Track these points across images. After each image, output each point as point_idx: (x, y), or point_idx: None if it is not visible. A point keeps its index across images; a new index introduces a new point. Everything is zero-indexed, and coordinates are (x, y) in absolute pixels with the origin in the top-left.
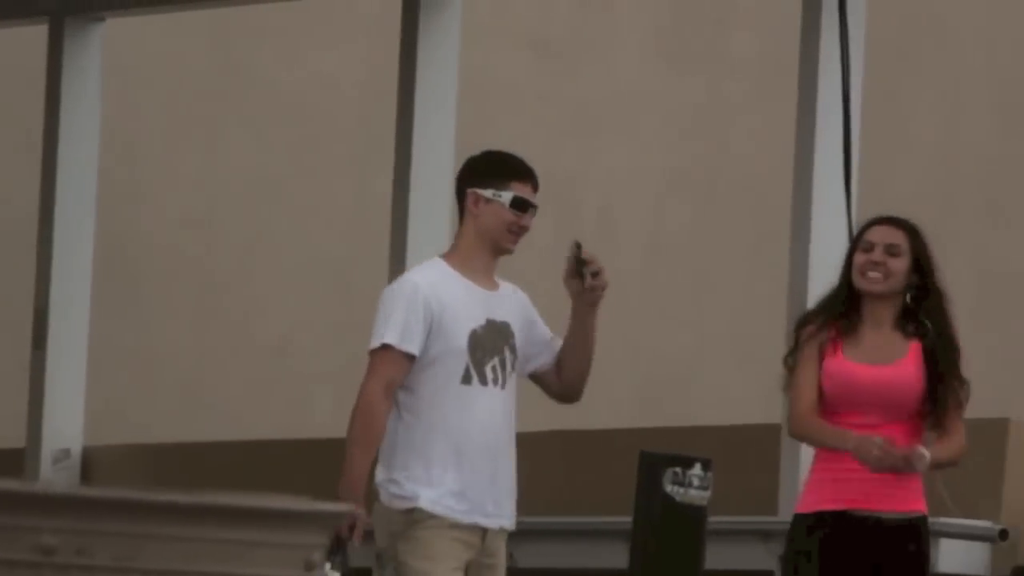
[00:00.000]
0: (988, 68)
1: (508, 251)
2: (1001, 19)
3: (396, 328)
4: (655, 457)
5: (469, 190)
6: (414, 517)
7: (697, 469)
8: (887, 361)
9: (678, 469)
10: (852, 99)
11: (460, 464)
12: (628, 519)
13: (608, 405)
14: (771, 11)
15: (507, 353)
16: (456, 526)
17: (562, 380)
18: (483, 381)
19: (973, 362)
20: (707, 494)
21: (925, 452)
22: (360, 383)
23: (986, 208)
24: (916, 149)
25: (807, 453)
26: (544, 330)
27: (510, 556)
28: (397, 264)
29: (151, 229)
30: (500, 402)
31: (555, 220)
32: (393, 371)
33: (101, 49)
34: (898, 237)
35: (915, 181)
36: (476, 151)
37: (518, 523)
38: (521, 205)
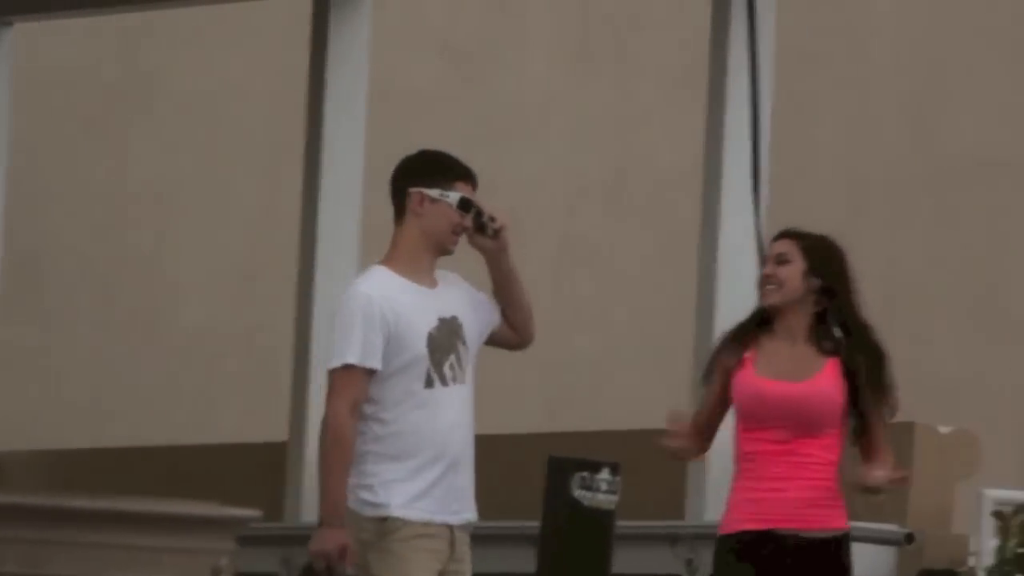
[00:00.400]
0: (896, 74)
1: (450, 251)
2: (909, 25)
3: (356, 346)
4: (563, 461)
5: (413, 190)
6: (386, 527)
7: (605, 473)
8: (799, 377)
9: (586, 473)
10: (761, 104)
11: (430, 466)
12: (536, 523)
13: (516, 409)
14: (681, 16)
15: (460, 347)
16: (427, 531)
17: (514, 327)
18: (444, 381)
19: None
20: (615, 498)
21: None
22: (326, 401)
23: (893, 213)
24: (824, 153)
25: (714, 458)
26: (484, 297)
27: None
28: (306, 269)
29: (58, 235)
30: (460, 399)
31: None
32: (357, 390)
33: (9, 54)
34: (785, 246)
35: (823, 185)
36: (386, 157)
37: None
38: (467, 206)
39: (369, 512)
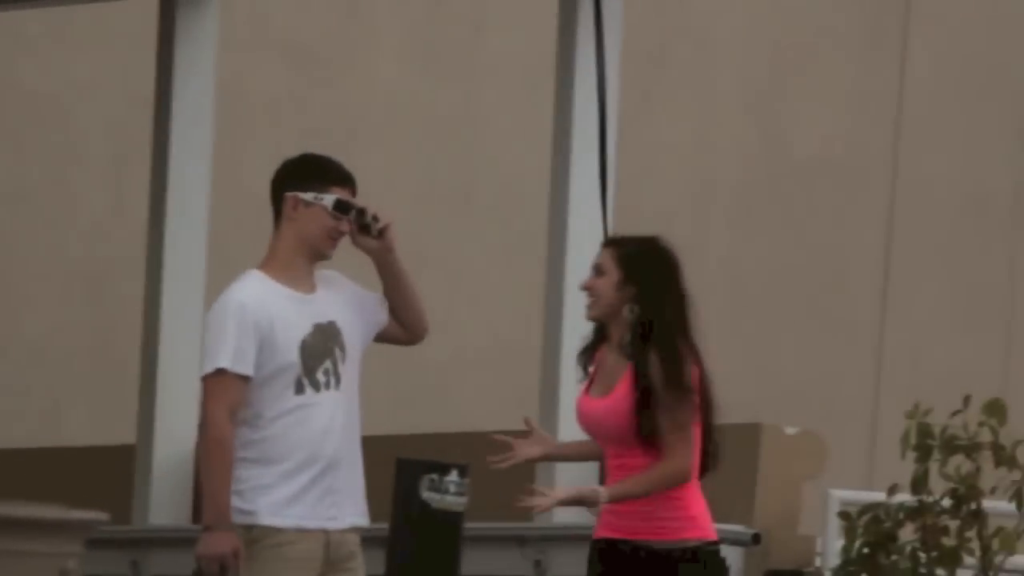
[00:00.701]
0: (742, 74)
1: (327, 256)
2: (756, 26)
3: (228, 351)
4: (412, 463)
5: (288, 194)
6: (253, 535)
7: (454, 475)
8: (607, 391)
9: (435, 475)
10: (608, 104)
11: (300, 471)
12: (385, 525)
13: (365, 412)
14: (527, 17)
15: (337, 352)
16: (298, 538)
17: (404, 325)
18: (316, 387)
19: (724, 368)
20: (464, 500)
21: (599, 490)
22: (203, 408)
23: (739, 213)
24: (671, 154)
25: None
26: (370, 296)
27: None
28: (154, 272)
29: None
30: (334, 404)
31: None
32: (232, 396)
33: None
34: (603, 256)
35: (670, 185)
36: (233, 159)
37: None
38: (344, 208)
39: (239, 519)
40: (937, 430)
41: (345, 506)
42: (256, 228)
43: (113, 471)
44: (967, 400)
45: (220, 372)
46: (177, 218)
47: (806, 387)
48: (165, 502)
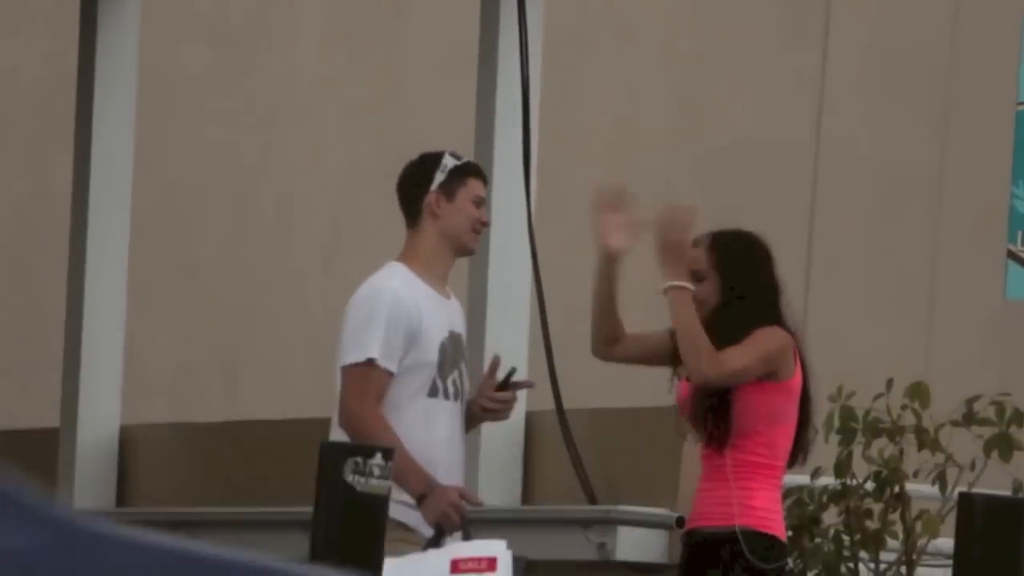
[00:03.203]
0: (665, 60)
1: (472, 251)
2: (679, 13)
3: (379, 343)
4: (336, 447)
5: (431, 191)
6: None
7: (378, 459)
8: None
9: (359, 459)
10: (531, 87)
11: None
12: (308, 509)
13: (289, 394)
14: (451, 0)
15: (462, 365)
16: (418, 540)
17: None
18: (446, 395)
19: None
20: (388, 483)
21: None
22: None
23: (661, 198)
24: (593, 139)
25: (485, 442)
26: None
27: None
28: (77, 256)
29: None
30: (457, 416)
31: (234, 212)
32: (376, 388)
33: None
34: (700, 259)
35: (592, 171)
36: (155, 142)
37: (196, 515)
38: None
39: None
40: (860, 413)
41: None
42: (177, 212)
43: (37, 455)
44: (890, 383)
45: (370, 363)
46: (100, 202)
47: None
48: (89, 486)
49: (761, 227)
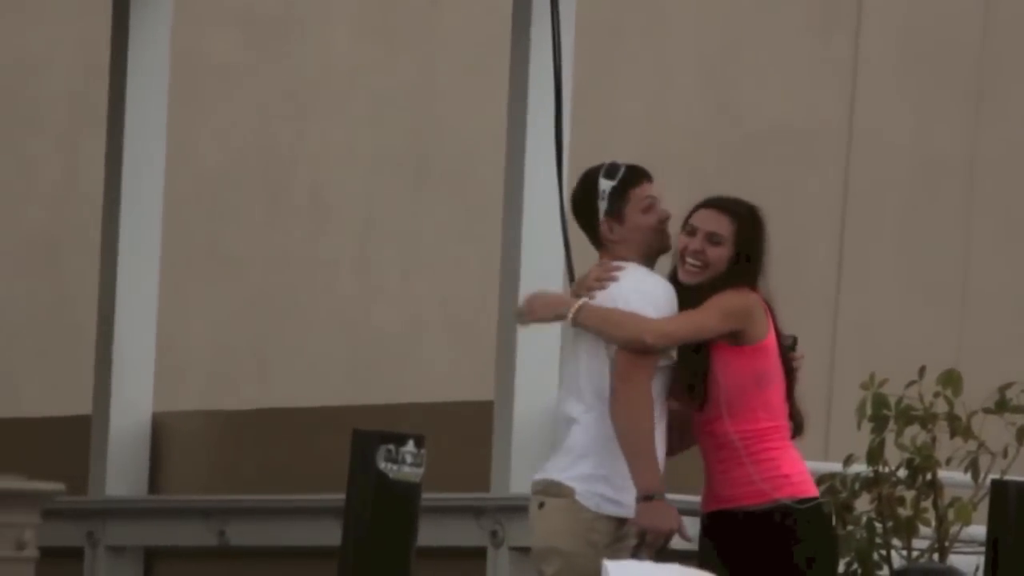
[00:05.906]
0: (697, 47)
1: (669, 247)
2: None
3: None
4: (368, 435)
5: (601, 221)
6: (623, 531)
7: (410, 446)
8: None
9: (391, 446)
10: (563, 76)
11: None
12: (341, 496)
13: (321, 382)
14: None
15: None
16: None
17: None
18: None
19: None
20: (420, 471)
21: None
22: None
23: (693, 186)
24: (625, 127)
25: (519, 430)
26: None
27: (222, 534)
28: (109, 243)
29: None
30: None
31: (267, 200)
32: (651, 375)
33: None
34: (720, 224)
35: (625, 157)
36: (188, 130)
37: (228, 502)
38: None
39: (608, 510)
40: (892, 401)
41: None
42: (210, 201)
43: (70, 442)
44: (922, 371)
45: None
46: (132, 189)
47: None
48: (121, 473)
49: (794, 214)
